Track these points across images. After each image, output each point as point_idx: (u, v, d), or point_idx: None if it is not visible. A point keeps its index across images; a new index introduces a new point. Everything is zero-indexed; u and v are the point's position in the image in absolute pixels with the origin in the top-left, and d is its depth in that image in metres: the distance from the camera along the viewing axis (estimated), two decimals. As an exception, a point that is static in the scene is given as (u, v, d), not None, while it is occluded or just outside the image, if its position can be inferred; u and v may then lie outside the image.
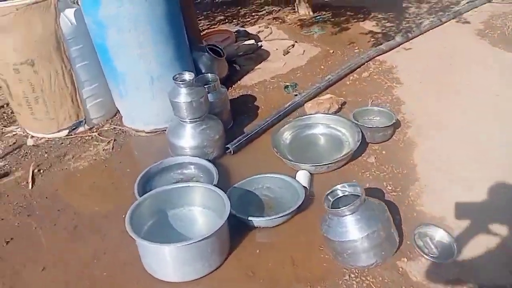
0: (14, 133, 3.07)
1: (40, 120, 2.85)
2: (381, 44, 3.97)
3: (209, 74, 2.77)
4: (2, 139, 2.97)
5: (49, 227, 2.06)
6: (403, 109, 2.83)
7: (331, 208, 1.65)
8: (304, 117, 2.69)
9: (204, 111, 2.42)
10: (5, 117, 3.36)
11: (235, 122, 2.91)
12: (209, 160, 2.39)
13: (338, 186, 1.73)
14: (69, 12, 2.70)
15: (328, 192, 1.74)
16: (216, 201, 1.88)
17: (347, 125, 2.50)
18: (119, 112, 3.11)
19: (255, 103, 3.20)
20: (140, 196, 2.02)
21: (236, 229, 1.89)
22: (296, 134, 2.60)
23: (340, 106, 2.92)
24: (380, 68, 3.51)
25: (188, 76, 2.36)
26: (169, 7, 2.52)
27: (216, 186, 1.99)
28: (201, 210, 1.97)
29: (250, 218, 1.89)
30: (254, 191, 2.18)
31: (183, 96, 2.31)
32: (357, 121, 2.49)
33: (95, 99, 2.97)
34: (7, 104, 3.58)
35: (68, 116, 2.87)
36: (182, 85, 2.31)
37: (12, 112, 3.44)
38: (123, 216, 2.03)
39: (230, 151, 2.52)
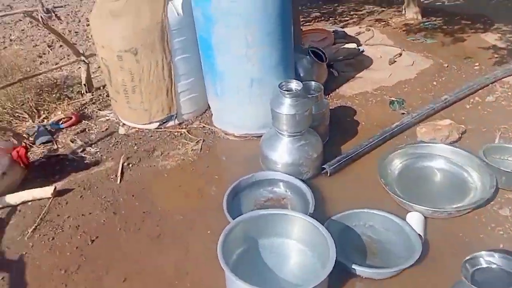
0: (107, 118, 3.10)
1: (134, 110, 2.81)
2: (507, 62, 3.38)
3: (313, 82, 2.50)
4: (96, 123, 3.01)
5: (133, 230, 1.97)
6: (544, 150, 2.31)
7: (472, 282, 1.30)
8: (418, 144, 2.31)
9: (306, 125, 2.17)
10: (101, 100, 3.42)
11: (330, 138, 2.61)
12: (303, 181, 2.14)
13: (483, 253, 1.37)
14: (177, 2, 2.59)
15: (467, 258, 1.38)
16: (315, 238, 1.63)
17: (474, 163, 2.08)
18: (209, 109, 2.99)
19: (354, 117, 2.87)
20: (229, 214, 1.85)
21: (333, 273, 1.62)
22: (408, 164, 2.24)
23: (460, 135, 2.48)
24: (509, 93, 2.96)
25: (295, 85, 2.12)
26: (283, 6, 2.29)
27: (312, 216, 1.74)
28: (295, 244, 1.73)
29: (354, 267, 1.60)
30: (354, 227, 1.89)
31: (287, 107, 2.08)
32: (486, 159, 2.06)
33: (189, 94, 2.86)
34: (104, 86, 3.66)
35: (161, 108, 2.80)
36: (287, 95, 2.07)
37: (107, 95, 3.50)
38: (208, 231, 1.91)
39: (327, 172, 2.25)
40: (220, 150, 2.62)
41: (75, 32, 5.77)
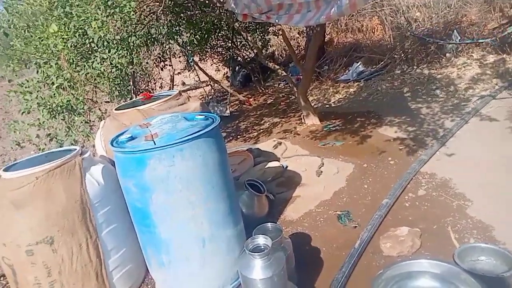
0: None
1: (53, 310, 2.18)
2: (415, 152, 3.75)
3: (269, 224, 2.28)
4: None
5: None
6: (497, 236, 2.41)
7: None
8: (396, 265, 2.18)
9: (285, 283, 1.88)
10: (-1, 300, 2.65)
11: (300, 280, 2.34)
12: None
13: None
14: (96, 170, 2.27)
15: None
16: None
17: (460, 277, 2.00)
18: (147, 277, 2.54)
19: (312, 244, 2.70)
20: None
21: None
22: (398, 291, 2.06)
23: (420, 240, 2.47)
24: (433, 183, 3.17)
25: (263, 241, 1.88)
26: (221, 156, 2.14)
27: None
28: None
29: None
30: None
31: (261, 271, 1.80)
32: (464, 264, 2.02)
33: (122, 269, 2.38)
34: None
35: (91, 299, 2.23)
36: (257, 256, 1.80)
37: (7, 290, 2.74)
38: None
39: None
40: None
41: None
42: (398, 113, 4.88)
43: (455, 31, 6.37)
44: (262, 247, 1.84)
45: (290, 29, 8.98)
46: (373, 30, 8.30)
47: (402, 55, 6.69)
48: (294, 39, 9.42)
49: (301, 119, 5.42)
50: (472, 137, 3.83)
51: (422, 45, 6.65)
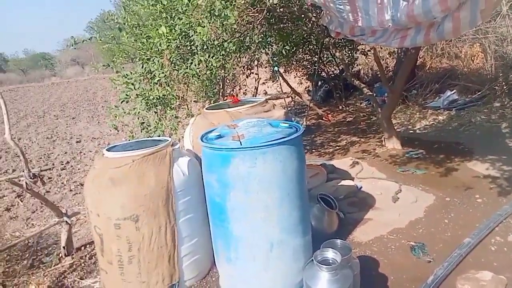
0: (92, 290, 2.62)
1: (128, 283, 2.39)
2: (509, 193, 3.39)
3: (339, 240, 2.25)
4: (79, 299, 2.52)
5: None
6: None
7: None
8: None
9: (349, 303, 1.84)
10: (83, 264, 2.97)
11: (364, 302, 2.27)
12: None
13: None
14: (182, 162, 2.45)
15: None
16: None
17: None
18: (212, 270, 2.65)
19: (379, 271, 2.59)
20: None
21: None
22: None
23: (505, 289, 2.24)
24: (528, 230, 2.85)
25: (332, 254, 1.87)
26: (299, 165, 2.17)
27: None
28: None
29: None
30: None
31: (326, 284, 1.79)
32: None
33: (192, 257, 2.52)
34: (85, 246, 3.25)
35: (161, 279, 2.39)
36: (325, 269, 1.79)
37: (90, 257, 3.07)
38: None
39: None
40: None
41: (49, 178, 5.45)
42: (492, 149, 4.46)
43: None
44: (330, 261, 1.83)
45: (381, 48, 8.73)
46: (472, 58, 7.73)
47: (505, 87, 6.11)
48: (383, 59, 9.14)
49: (382, 141, 5.24)
50: None
51: (530, 79, 6.02)
